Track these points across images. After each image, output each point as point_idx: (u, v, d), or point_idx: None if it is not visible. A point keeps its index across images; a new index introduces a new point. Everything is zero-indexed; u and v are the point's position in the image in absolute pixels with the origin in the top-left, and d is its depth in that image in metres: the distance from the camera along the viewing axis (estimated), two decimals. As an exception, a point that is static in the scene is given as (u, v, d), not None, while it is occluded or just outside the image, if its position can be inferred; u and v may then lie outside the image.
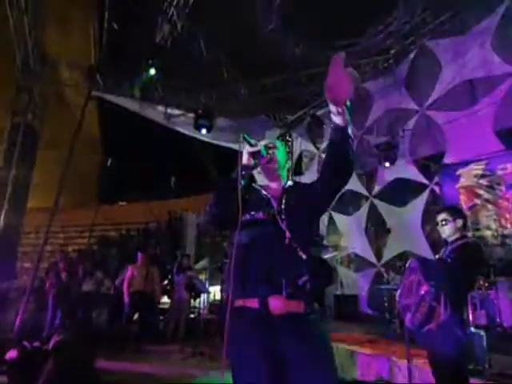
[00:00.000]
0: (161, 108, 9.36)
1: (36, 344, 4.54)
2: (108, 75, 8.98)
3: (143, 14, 6.79)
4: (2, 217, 7.53)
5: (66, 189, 8.51)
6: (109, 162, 13.41)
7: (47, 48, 8.66)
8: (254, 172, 1.85)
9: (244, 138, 1.74)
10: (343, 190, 7.09)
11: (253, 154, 1.73)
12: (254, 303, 1.55)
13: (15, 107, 8.14)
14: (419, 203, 7.43)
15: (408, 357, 3.08)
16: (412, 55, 7.60)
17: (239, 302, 1.60)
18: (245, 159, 1.73)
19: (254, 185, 1.87)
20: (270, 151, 1.83)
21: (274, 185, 1.85)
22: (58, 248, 12.69)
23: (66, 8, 8.68)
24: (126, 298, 6.11)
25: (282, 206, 1.71)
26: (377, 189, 8.42)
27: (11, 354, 3.94)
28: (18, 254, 8.99)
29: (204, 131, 8.31)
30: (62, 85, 9.32)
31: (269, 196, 1.77)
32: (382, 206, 8.24)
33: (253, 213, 1.70)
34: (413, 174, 7.55)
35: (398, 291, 2.62)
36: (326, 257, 8.83)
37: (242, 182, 1.67)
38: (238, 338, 1.55)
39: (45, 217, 12.61)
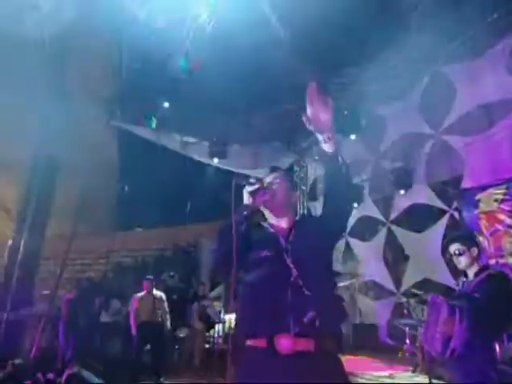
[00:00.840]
0: (176, 136, 9.55)
1: (50, 376, 4.52)
2: (126, 106, 9.28)
3: (159, 48, 7.02)
4: (22, 243, 7.65)
5: (83, 215, 8.68)
6: (125, 189, 13.67)
7: (67, 80, 9.03)
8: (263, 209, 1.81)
9: (236, 182, 1.72)
10: (359, 215, 7.01)
11: (253, 193, 1.71)
12: (262, 343, 1.52)
13: (37, 138, 8.42)
14: (439, 229, 7.25)
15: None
16: (425, 80, 7.60)
17: (249, 342, 1.58)
18: (245, 199, 1.71)
19: (262, 223, 1.83)
20: (274, 186, 1.80)
21: (282, 220, 1.81)
22: (75, 275, 12.77)
23: (86, 43, 9.10)
24: (134, 330, 6.01)
25: (289, 242, 1.68)
26: (394, 214, 8.27)
27: (25, 386, 3.92)
28: (36, 281, 9.08)
29: (216, 160, 8.41)
30: (81, 115, 9.65)
31: (276, 233, 1.75)
32: (400, 232, 8.06)
33: (260, 251, 1.67)
34: (430, 199, 7.41)
35: (422, 329, 2.52)
36: (342, 284, 8.63)
37: (244, 224, 1.66)
38: (248, 378, 1.52)
39: (62, 243, 12.85)
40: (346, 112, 7.74)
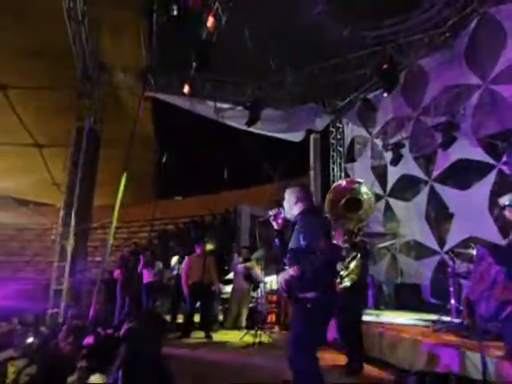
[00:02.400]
0: (210, 103, 9.55)
1: (109, 331, 4.91)
2: (159, 75, 9.34)
3: (188, 11, 6.91)
4: (73, 214, 8.13)
5: (126, 186, 9.04)
6: (164, 159, 14.01)
7: (102, 55, 9.17)
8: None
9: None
10: (399, 175, 6.83)
11: (274, 218, 2.94)
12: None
13: (78, 112, 8.72)
14: (485, 185, 6.91)
15: (481, 349, 2.88)
16: (472, 25, 7.02)
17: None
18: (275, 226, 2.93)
19: None
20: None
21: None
22: (123, 242, 13.51)
23: (117, 16, 9.12)
24: (186, 289, 6.35)
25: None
26: (436, 172, 7.95)
27: (88, 340, 4.29)
28: (88, 249, 9.72)
29: (250, 125, 8.38)
30: (118, 88, 9.85)
31: None
32: (444, 190, 7.77)
33: None
34: (477, 154, 7.02)
35: (469, 281, 2.48)
36: (383, 245, 8.56)
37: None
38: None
39: (109, 213, 13.55)
40: (384, 66, 7.35)
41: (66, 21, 7.61)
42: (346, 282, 4.19)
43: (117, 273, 7.46)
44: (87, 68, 8.67)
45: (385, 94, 8.07)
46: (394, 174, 8.98)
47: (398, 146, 8.36)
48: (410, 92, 8.41)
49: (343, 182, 3.35)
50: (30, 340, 4.12)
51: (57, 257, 8.22)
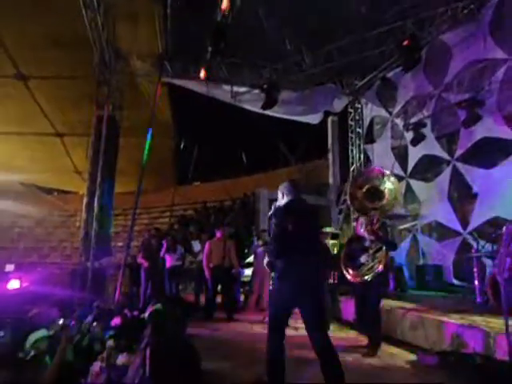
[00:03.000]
0: (227, 87, 9.49)
1: (135, 313, 5.08)
2: (175, 61, 9.33)
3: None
4: (96, 200, 8.33)
5: (146, 173, 9.17)
6: (182, 145, 14.13)
7: (119, 42, 9.20)
8: None
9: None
10: (420, 155, 6.73)
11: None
12: None
13: (97, 100, 8.83)
14: (511, 164, 6.69)
15: (507, 330, 2.84)
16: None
17: None
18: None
19: None
20: None
21: None
22: (144, 228, 13.79)
23: (132, 2, 9.11)
24: (207, 273, 6.46)
25: None
26: (460, 151, 7.73)
27: (115, 321, 4.46)
28: (112, 234, 9.98)
29: (267, 108, 8.31)
30: (135, 75, 9.90)
31: None
32: (467, 170, 7.57)
33: None
34: (503, 131, 6.78)
35: (494, 261, 2.43)
36: (404, 226, 8.46)
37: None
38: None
39: (130, 200, 13.82)
40: (405, 42, 7.12)
41: (82, 9, 7.64)
42: (370, 274, 4.15)
43: (140, 258, 7.64)
44: (104, 55, 8.73)
45: (405, 72, 7.85)
46: (414, 155, 8.79)
47: (419, 126, 8.16)
48: (431, 69, 8.14)
49: (373, 169, 3.33)
50: (61, 321, 4.29)
51: (82, 242, 8.49)
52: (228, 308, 6.41)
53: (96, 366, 3.13)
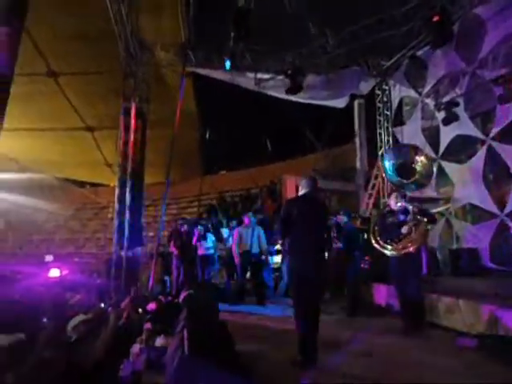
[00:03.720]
0: (250, 74, 9.44)
1: (169, 299, 5.24)
2: (198, 50, 9.35)
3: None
4: (127, 192, 8.55)
5: (173, 164, 9.32)
6: (207, 135, 14.23)
7: (143, 34, 9.30)
8: None
9: None
10: (453, 136, 6.56)
11: None
12: None
13: (124, 93, 8.99)
14: (553, 141, 6.35)
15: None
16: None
17: None
18: None
19: None
20: None
21: None
22: (173, 218, 14.06)
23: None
24: (236, 259, 6.55)
25: None
26: (496, 130, 7.38)
27: (151, 306, 4.62)
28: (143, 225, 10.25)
29: (292, 93, 8.21)
30: (159, 66, 10.01)
31: None
32: (504, 149, 7.21)
33: None
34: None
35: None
36: (437, 210, 8.23)
37: None
38: None
39: (158, 191, 14.11)
40: (435, 18, 6.83)
41: (106, 2, 7.76)
42: (414, 246, 4.10)
43: (171, 246, 7.83)
44: (129, 47, 8.85)
45: (436, 50, 7.54)
46: (446, 135, 8.46)
47: (451, 105, 7.84)
48: (464, 45, 7.77)
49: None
50: (102, 305, 4.49)
51: (115, 232, 8.76)
52: (258, 293, 6.49)
53: (136, 347, 3.26)
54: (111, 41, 8.97)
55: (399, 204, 4.31)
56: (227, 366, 2.11)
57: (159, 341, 3.46)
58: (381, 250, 4.35)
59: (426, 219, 4.16)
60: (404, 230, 4.16)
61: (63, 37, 9.18)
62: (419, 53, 8.86)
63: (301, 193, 3.77)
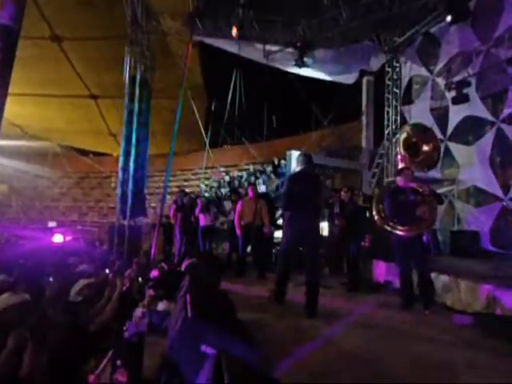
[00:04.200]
0: (259, 46, 9.22)
1: (172, 267, 5.32)
2: (206, 19, 9.10)
3: None
4: (131, 161, 8.54)
5: (178, 136, 9.24)
6: (213, 107, 14.06)
7: (150, 1, 9.05)
8: None
9: None
10: (462, 116, 6.56)
11: None
12: None
13: (130, 61, 8.82)
14: None
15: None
16: None
17: None
18: None
19: None
20: None
21: None
22: (175, 190, 14.09)
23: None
24: (238, 231, 6.57)
25: None
26: (506, 111, 7.26)
27: (154, 273, 4.69)
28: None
29: (303, 64, 8.04)
30: (166, 34, 9.78)
31: None
32: (513, 132, 7.14)
33: None
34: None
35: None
36: (440, 191, 8.20)
37: None
38: None
39: (161, 162, 14.09)
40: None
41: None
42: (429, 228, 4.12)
43: (173, 216, 7.88)
44: (136, 14, 8.63)
45: (450, 27, 7.31)
46: (455, 116, 8.34)
47: (462, 85, 7.67)
48: (480, 22, 7.54)
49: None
50: (106, 271, 4.57)
51: (118, 201, 8.80)
52: (259, 265, 6.55)
53: (138, 311, 3.33)
54: (117, 7, 8.74)
55: (411, 183, 4.22)
56: (229, 331, 2.16)
57: (161, 305, 3.53)
58: (391, 230, 4.24)
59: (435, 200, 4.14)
60: (419, 212, 4.08)
61: (67, 1, 8.95)
62: (433, 29, 8.61)
63: (297, 169, 4.24)
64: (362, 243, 5.74)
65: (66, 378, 2.20)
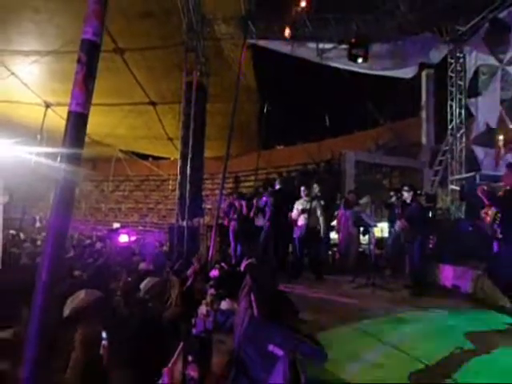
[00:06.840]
0: (312, 45, 9.12)
1: (231, 267, 5.42)
2: (259, 21, 9.19)
3: None
4: (188, 163, 8.84)
5: (231, 138, 9.40)
6: (265, 109, 14.13)
7: (204, 8, 9.32)
8: None
9: None
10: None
11: None
12: None
13: (186, 67, 9.15)
14: None
15: None
16: None
17: None
18: None
19: None
20: None
21: None
22: (229, 191, 14.35)
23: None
24: (295, 233, 6.54)
25: None
26: None
27: (214, 272, 4.80)
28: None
29: (360, 60, 7.82)
30: (220, 40, 10.01)
31: None
32: None
33: None
34: None
35: None
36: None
37: None
38: None
39: (215, 165, 14.42)
40: None
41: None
42: None
43: (227, 219, 8.04)
44: (192, 22, 8.95)
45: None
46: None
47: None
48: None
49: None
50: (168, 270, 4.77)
51: (177, 202, 9.15)
52: (315, 267, 6.48)
53: (202, 309, 3.44)
54: (174, 16, 9.10)
55: None
56: (295, 331, 2.15)
57: (224, 304, 3.61)
58: None
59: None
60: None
61: (128, 14, 9.46)
62: (502, 14, 7.97)
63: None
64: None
65: (144, 370, 2.31)
